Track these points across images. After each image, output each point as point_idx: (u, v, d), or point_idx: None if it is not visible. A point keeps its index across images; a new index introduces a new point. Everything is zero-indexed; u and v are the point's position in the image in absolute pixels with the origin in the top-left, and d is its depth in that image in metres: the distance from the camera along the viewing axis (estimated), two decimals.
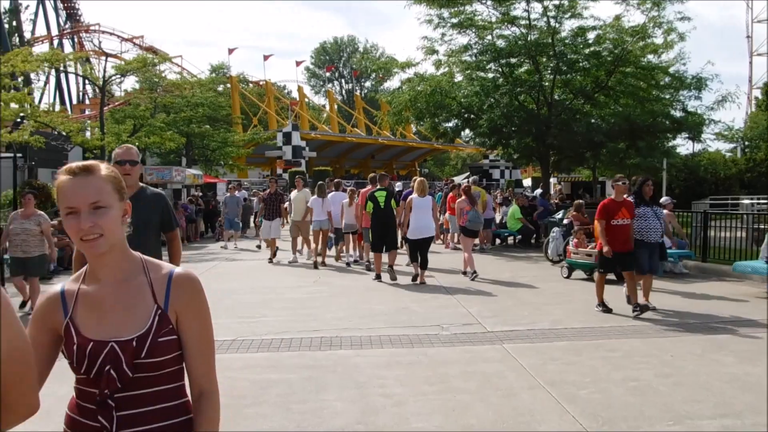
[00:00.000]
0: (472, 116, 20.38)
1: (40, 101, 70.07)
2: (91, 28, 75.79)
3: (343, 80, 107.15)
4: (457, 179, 63.45)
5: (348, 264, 14.65)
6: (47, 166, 25.61)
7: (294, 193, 15.46)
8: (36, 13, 75.59)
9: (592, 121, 19.76)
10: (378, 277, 11.95)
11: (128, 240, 2.96)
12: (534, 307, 9.29)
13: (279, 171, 53.92)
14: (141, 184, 4.68)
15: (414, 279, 11.57)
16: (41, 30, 75.25)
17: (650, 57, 20.85)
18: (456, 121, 20.97)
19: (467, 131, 21.55)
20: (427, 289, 11.03)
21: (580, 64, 19.97)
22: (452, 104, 19.81)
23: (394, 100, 20.48)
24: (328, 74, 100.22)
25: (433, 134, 22.31)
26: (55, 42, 66.99)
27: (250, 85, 74.39)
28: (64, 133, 19.39)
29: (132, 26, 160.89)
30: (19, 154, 26.90)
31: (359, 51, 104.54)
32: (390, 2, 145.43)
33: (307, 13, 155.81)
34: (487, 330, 7.82)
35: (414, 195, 11.95)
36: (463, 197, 13.19)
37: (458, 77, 20.78)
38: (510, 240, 18.91)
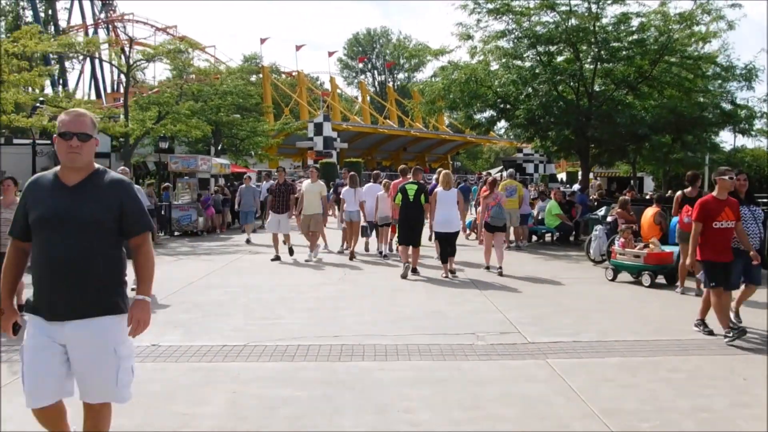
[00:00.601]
0: (508, 106, 19.40)
1: (75, 90, 70.75)
2: (125, 17, 76.10)
3: (375, 72, 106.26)
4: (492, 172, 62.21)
5: (384, 256, 14.34)
6: None
7: (306, 184, 14.45)
8: (71, 3, 75.81)
9: (635, 113, 18.62)
10: (406, 268, 11.65)
11: (65, 253, 3.07)
12: (578, 315, 8.40)
13: (310, 162, 53.35)
14: (98, 166, 3.49)
15: (451, 273, 11.49)
16: (76, 20, 75.53)
17: (696, 46, 19.74)
18: (491, 111, 20.02)
19: (502, 122, 20.56)
20: (459, 290, 10.21)
21: (623, 53, 18.85)
22: (487, 93, 18.85)
23: (426, 89, 19.59)
24: (360, 65, 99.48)
25: (466, 125, 21.34)
26: (90, 31, 67.24)
27: (283, 75, 74.04)
28: None
29: (166, 17, 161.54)
30: (47, 141, 26.72)
31: (392, 42, 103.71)
32: None
33: (340, 3, 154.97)
34: (527, 341, 6.96)
35: (439, 188, 11.72)
36: (488, 191, 12.86)
37: (494, 66, 19.79)
38: (547, 237, 17.95)
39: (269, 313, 8.44)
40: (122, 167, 9.33)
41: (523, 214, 16.46)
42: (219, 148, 34.87)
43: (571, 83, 19.38)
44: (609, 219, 13.27)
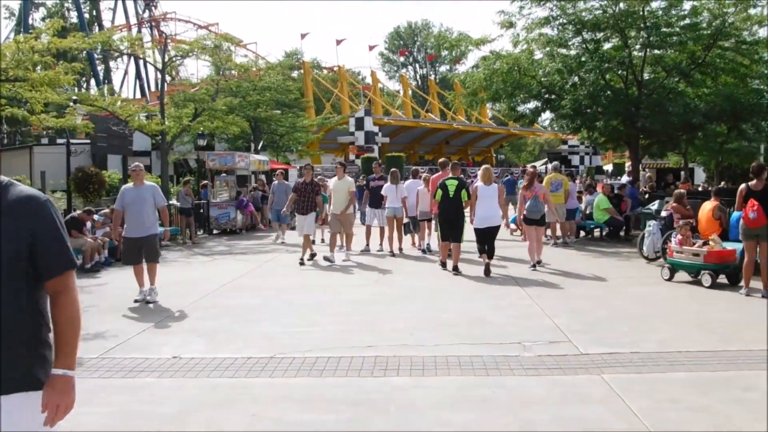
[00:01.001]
0: (553, 96, 18.60)
1: (120, 89, 71.74)
2: (167, 15, 76.85)
3: (417, 65, 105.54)
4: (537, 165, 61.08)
5: (423, 251, 14.32)
6: (116, 152, 25.25)
7: (333, 182, 13.56)
8: (115, 3, 76.78)
9: (688, 101, 17.66)
10: (443, 265, 11.78)
11: None
12: (635, 320, 7.71)
13: (351, 157, 53.01)
14: (2, 178, 2.40)
15: (486, 273, 10.96)
16: (120, 19, 76.49)
17: (753, 30, 18.70)
18: (535, 102, 19.24)
19: (547, 113, 19.76)
20: (503, 291, 9.59)
21: (675, 38, 17.85)
22: (531, 83, 18.09)
23: (467, 80, 18.91)
24: (401, 59, 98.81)
25: (510, 117, 20.58)
26: (134, 30, 68.02)
27: (324, 71, 73.87)
28: (121, 118, 18.68)
29: (208, 15, 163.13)
30: (86, 141, 26.84)
31: (433, 35, 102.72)
32: None
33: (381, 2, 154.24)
34: (580, 352, 6.31)
35: (479, 183, 11.55)
36: (525, 182, 12.86)
37: (537, 55, 19.00)
38: (596, 232, 17.13)
39: (301, 319, 7.95)
40: (135, 164, 9.25)
41: (569, 209, 15.68)
42: (260, 144, 34.77)
43: (619, 71, 18.50)
44: (663, 214, 12.46)
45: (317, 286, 10.38)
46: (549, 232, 16.56)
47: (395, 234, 14.32)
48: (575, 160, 68.12)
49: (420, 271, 11.87)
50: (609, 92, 17.69)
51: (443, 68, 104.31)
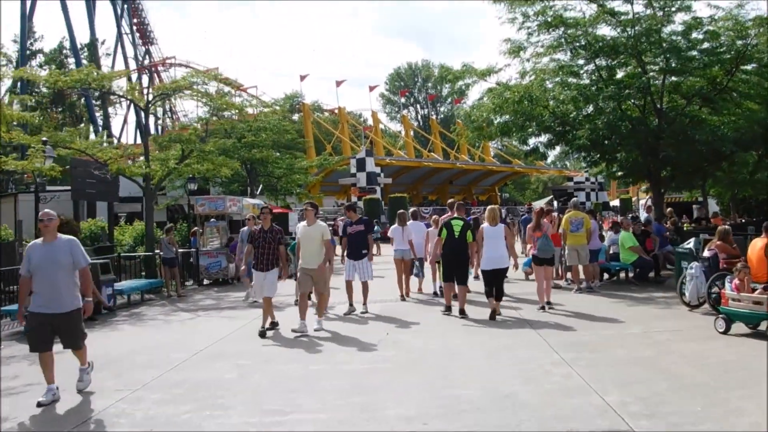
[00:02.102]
0: (566, 128, 17.18)
1: (119, 138, 70.84)
2: (167, 60, 76.47)
3: (418, 105, 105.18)
4: (538, 203, 59.80)
5: (435, 294, 13.87)
6: (100, 199, 23.83)
7: (301, 227, 10.81)
8: (115, 48, 76.33)
9: (714, 128, 16.23)
10: (448, 309, 11.35)
11: None
12: (706, 394, 6.10)
13: (354, 198, 51.68)
14: None
15: (492, 317, 10.60)
16: (120, 65, 75.92)
17: None
18: (547, 135, 17.80)
19: (560, 147, 18.24)
20: (531, 353, 7.97)
21: (696, 63, 16.47)
22: (543, 114, 16.69)
23: (474, 112, 17.53)
24: (402, 100, 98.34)
25: (521, 152, 19.08)
26: (134, 76, 67.35)
27: (325, 113, 73.11)
28: (101, 161, 17.26)
29: (209, 59, 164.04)
30: (66, 187, 25.49)
31: (434, 73, 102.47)
32: (466, 27, 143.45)
33: (381, 41, 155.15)
34: None
35: (485, 224, 11.27)
36: (533, 222, 12.56)
37: (548, 84, 17.63)
38: (621, 274, 15.53)
39: (284, 402, 6.34)
40: (44, 211, 7.11)
41: (592, 250, 14.12)
42: (259, 188, 33.37)
43: (636, 99, 17.11)
44: (707, 254, 10.88)
45: (310, 351, 8.79)
46: (569, 275, 15.08)
47: (404, 277, 13.82)
48: (581, 196, 66.87)
49: (429, 326, 10.27)
50: (627, 122, 16.24)
51: (444, 108, 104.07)
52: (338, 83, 70.29)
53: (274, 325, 10.39)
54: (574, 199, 15.56)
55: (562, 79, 17.23)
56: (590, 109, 16.71)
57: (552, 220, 14.32)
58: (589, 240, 13.83)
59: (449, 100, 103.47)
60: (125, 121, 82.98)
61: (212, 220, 20.75)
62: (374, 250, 14.83)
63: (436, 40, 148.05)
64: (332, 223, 27.58)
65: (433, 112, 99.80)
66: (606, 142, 15.91)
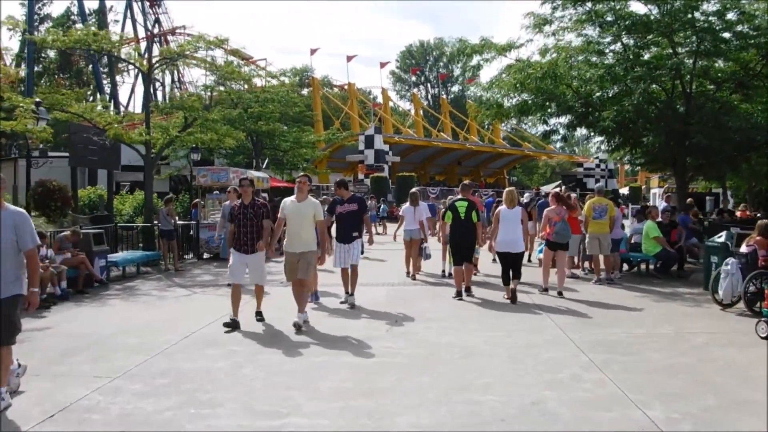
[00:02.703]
0: (589, 109, 16.25)
1: (126, 106, 69.81)
2: (177, 30, 75.23)
3: (429, 84, 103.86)
4: (546, 188, 58.96)
5: (443, 275, 13.72)
6: (100, 166, 23.11)
7: (289, 203, 8.95)
8: (124, 16, 75.08)
9: (748, 115, 15.28)
10: (458, 295, 11.04)
11: None
12: (759, 409, 5.32)
13: (361, 176, 50.85)
14: None
15: (512, 301, 10.52)
16: (129, 32, 74.71)
17: None
18: (568, 116, 16.85)
19: (581, 129, 17.27)
20: (556, 355, 7.17)
21: (731, 44, 15.48)
22: (566, 93, 15.76)
23: (492, 88, 16.60)
24: (413, 78, 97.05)
25: (532, 136, 18.10)
26: (143, 44, 66.29)
27: (335, 89, 72.07)
28: (99, 127, 16.45)
29: (221, 32, 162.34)
30: (63, 153, 24.73)
31: (446, 55, 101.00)
32: (480, 7, 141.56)
33: (394, 21, 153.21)
34: None
35: (502, 206, 11.02)
36: (554, 206, 11.84)
37: (573, 62, 16.63)
38: (641, 266, 14.72)
39: (279, 402, 5.58)
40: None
41: (614, 239, 13.31)
42: (265, 162, 32.53)
43: (664, 82, 16.14)
44: (744, 249, 10.05)
45: (311, 337, 8.03)
46: (587, 264, 14.29)
47: (412, 258, 13.68)
48: (590, 182, 65.89)
49: (441, 315, 9.48)
50: (655, 105, 15.31)
51: (455, 88, 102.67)
52: (349, 58, 69.49)
53: (258, 316, 9.07)
54: (599, 184, 14.75)
55: (587, 58, 16.27)
56: (615, 90, 15.77)
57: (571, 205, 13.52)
58: (612, 228, 13.02)
59: (460, 80, 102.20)
60: (132, 90, 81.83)
61: (215, 192, 20.00)
62: (379, 229, 14.23)
63: (450, 21, 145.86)
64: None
65: (443, 92, 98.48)
66: (631, 125, 14.99)
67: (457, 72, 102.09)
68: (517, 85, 15.26)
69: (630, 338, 8.04)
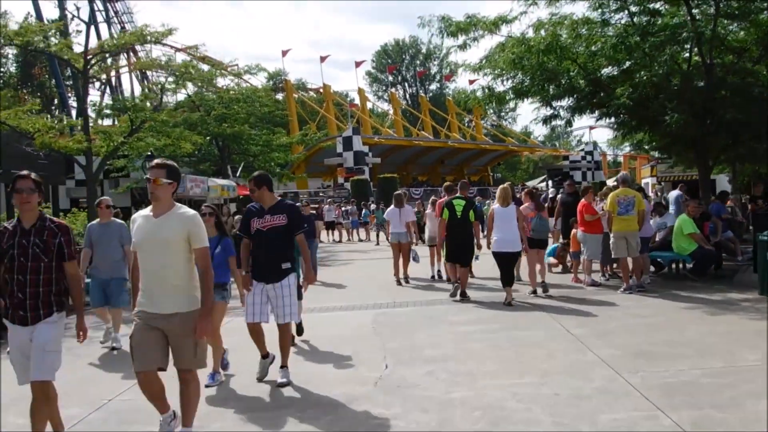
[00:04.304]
0: (597, 88, 14.05)
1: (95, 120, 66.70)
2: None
3: (406, 84, 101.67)
4: (532, 184, 57.04)
5: (432, 277, 13.47)
6: (46, 180, 20.59)
7: (140, 220, 4.81)
8: (88, 26, 71.90)
9: None
10: (455, 294, 10.79)
11: None
12: None
13: (340, 180, 48.60)
14: None
15: (508, 304, 9.97)
16: (92, 42, 71.70)
17: None
18: (573, 97, 14.59)
19: (589, 112, 14.98)
20: (630, 417, 4.93)
21: (753, 6, 13.36)
22: (572, 69, 13.52)
23: (485, 66, 14.31)
24: (390, 78, 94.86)
25: (542, 118, 15.75)
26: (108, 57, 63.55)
27: (310, 92, 69.78)
28: (27, 135, 14.04)
29: (191, 40, 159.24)
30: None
31: (422, 53, 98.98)
32: (456, 8, 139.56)
33: (368, 25, 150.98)
34: None
35: (496, 204, 10.64)
36: (528, 203, 11.81)
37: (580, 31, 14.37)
38: (671, 267, 12.55)
39: None
40: None
41: (644, 238, 11.11)
42: (239, 169, 30.10)
43: (679, 54, 13.98)
44: None
45: (257, 406, 5.73)
46: (609, 269, 12.18)
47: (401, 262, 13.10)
48: (578, 175, 64.28)
49: (445, 349, 7.21)
50: (677, 76, 13.13)
51: (433, 86, 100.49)
52: (322, 59, 67.04)
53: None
54: (623, 172, 12.49)
55: (590, 29, 14.04)
56: (627, 63, 13.59)
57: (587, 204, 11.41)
58: (641, 225, 10.81)
59: (438, 77, 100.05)
60: (102, 96, 78.86)
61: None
62: (362, 235, 12.30)
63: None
64: (316, 207, 24.53)
65: (422, 90, 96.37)
66: (650, 102, 12.76)
67: (434, 69, 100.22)
68: (516, 61, 12.99)
69: (710, 378, 5.81)
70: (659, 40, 12.16)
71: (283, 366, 6.40)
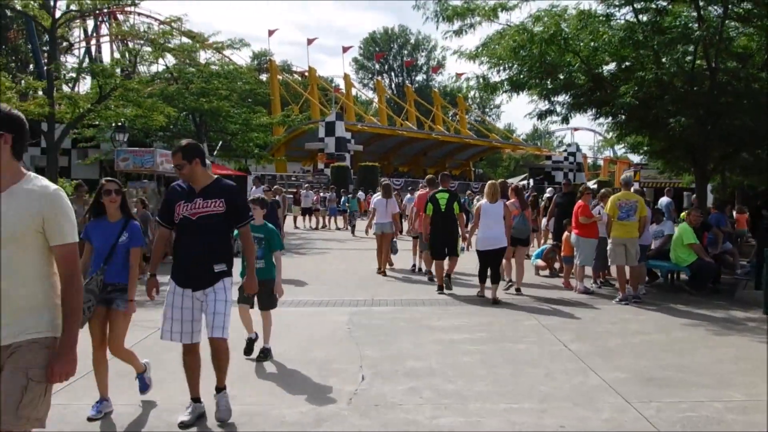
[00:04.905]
0: (597, 84, 13.30)
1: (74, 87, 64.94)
2: (126, 8, 70.77)
3: (393, 73, 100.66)
4: (513, 181, 56.49)
5: (413, 270, 13.14)
6: None
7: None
8: None
9: None
10: (440, 289, 10.57)
11: None
12: None
13: (320, 165, 47.63)
14: None
15: (480, 295, 10.08)
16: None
17: None
18: (570, 93, 13.83)
19: (590, 110, 14.20)
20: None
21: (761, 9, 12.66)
22: (573, 63, 12.72)
23: (482, 54, 13.46)
24: (377, 66, 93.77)
25: (533, 116, 14.92)
26: (90, 24, 61.84)
27: (295, 75, 68.59)
28: None
29: (176, 11, 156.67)
30: None
31: (410, 43, 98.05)
32: None
33: (357, 12, 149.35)
34: None
35: (484, 200, 10.32)
36: (513, 199, 11.20)
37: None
38: (666, 277, 11.86)
39: None
40: None
41: (643, 245, 10.39)
42: (217, 148, 29.00)
43: (681, 56, 13.25)
44: None
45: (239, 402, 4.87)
46: (602, 276, 11.49)
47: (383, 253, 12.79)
48: (559, 176, 64.02)
49: (430, 361, 6.40)
50: (683, 79, 12.39)
51: (420, 77, 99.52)
52: (309, 41, 66.04)
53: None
54: (626, 173, 11.89)
55: (592, 23, 13.24)
56: (630, 60, 12.84)
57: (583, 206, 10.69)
58: (641, 232, 10.09)
59: (425, 68, 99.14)
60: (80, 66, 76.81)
61: (144, 180, 16.64)
62: (339, 223, 11.72)
63: (413, 12, 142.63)
64: (294, 191, 23.60)
65: (408, 81, 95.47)
66: (655, 103, 12.02)
67: (422, 60, 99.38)
68: (516, 50, 12.17)
69: (735, 414, 5.06)
70: (670, 36, 11.40)
71: (220, 388, 4.86)
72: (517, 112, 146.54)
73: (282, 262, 6.68)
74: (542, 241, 14.93)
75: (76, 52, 64.04)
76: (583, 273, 10.94)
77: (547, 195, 15.76)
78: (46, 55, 54.96)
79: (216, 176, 5.01)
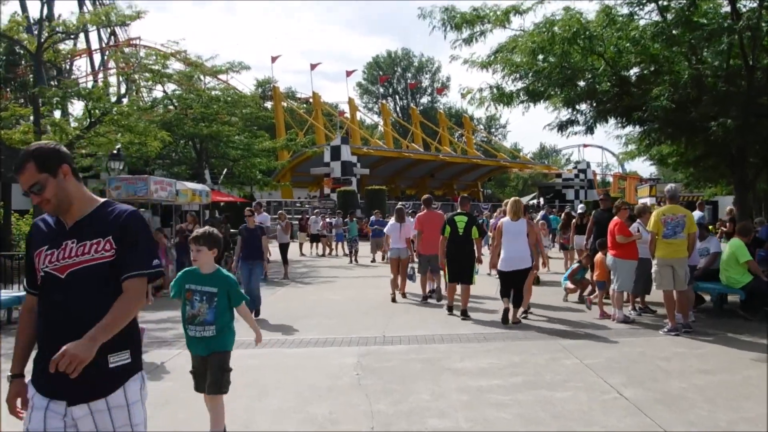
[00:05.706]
0: (625, 89, 12.14)
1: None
2: (132, 41, 70.58)
3: (397, 96, 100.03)
4: (523, 200, 54.98)
5: (424, 298, 12.12)
6: None
7: None
8: (42, 3, 69.40)
9: None
10: (449, 309, 10.34)
11: None
12: None
13: (327, 190, 46.61)
14: None
15: (504, 320, 9.35)
16: (81, 45, 69.69)
17: None
18: (594, 100, 12.67)
19: (616, 118, 13.00)
20: None
21: None
22: (598, 65, 11.57)
23: (496, 62, 12.32)
24: (381, 89, 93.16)
25: (553, 127, 13.72)
26: (97, 57, 61.54)
27: (299, 102, 67.94)
28: None
29: (181, 42, 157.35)
30: None
31: (414, 65, 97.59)
32: None
33: (360, 38, 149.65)
34: None
35: (505, 218, 9.86)
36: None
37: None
38: (715, 301, 10.58)
39: None
40: None
41: (691, 266, 9.14)
42: (222, 174, 27.98)
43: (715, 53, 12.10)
44: None
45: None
46: (642, 302, 10.23)
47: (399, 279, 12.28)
48: (570, 194, 62.84)
49: (455, 419, 5.19)
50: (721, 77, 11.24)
51: (424, 99, 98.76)
52: (313, 66, 65.43)
53: None
54: (671, 185, 10.46)
55: (613, 23, 12.13)
56: (661, 61, 11.69)
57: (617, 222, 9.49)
58: (690, 251, 8.85)
59: (429, 90, 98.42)
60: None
61: (141, 209, 15.57)
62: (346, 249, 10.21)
63: (415, 36, 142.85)
64: (299, 218, 22.46)
65: (413, 103, 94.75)
66: (693, 106, 10.84)
67: (426, 83, 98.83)
68: (536, 51, 11.04)
69: None
70: (710, 28, 10.24)
71: None
72: (523, 131, 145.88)
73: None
74: (570, 262, 13.71)
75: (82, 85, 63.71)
76: (621, 299, 9.69)
77: (579, 211, 14.58)
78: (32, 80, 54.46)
79: (103, 200, 2.92)
